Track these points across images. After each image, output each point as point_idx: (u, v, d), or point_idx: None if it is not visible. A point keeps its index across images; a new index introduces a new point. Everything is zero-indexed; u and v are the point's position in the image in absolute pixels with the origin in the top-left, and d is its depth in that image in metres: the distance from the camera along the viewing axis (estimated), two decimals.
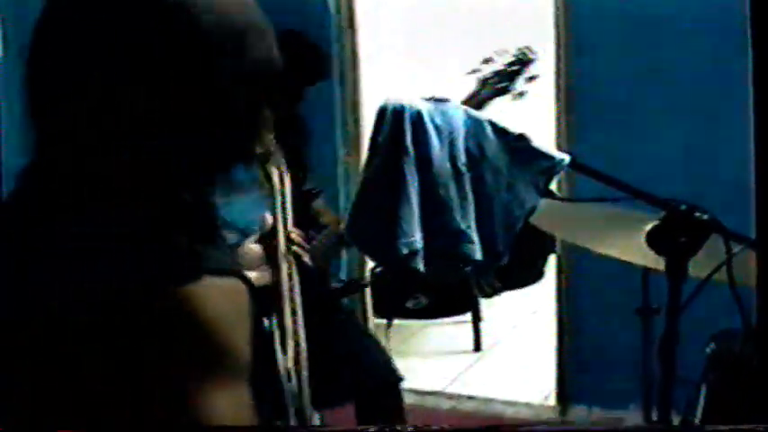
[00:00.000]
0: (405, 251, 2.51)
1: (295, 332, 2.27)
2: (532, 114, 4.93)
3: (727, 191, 4.56)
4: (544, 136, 4.76)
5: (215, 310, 1.43)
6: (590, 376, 5.33)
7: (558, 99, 5.16)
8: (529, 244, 2.76)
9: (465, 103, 2.93)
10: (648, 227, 2.44)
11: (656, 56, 4.92)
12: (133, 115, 1.50)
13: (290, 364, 2.23)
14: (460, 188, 2.52)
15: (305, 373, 2.28)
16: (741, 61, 4.93)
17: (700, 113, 4.89)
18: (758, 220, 1.57)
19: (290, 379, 2.20)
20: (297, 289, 2.29)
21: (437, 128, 2.51)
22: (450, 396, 5.67)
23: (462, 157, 2.51)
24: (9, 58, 4.45)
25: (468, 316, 6.35)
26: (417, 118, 2.53)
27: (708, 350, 3.27)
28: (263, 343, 1.65)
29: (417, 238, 2.52)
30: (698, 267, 2.39)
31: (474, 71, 3.07)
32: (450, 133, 2.51)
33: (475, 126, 2.53)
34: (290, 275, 2.29)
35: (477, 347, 6.43)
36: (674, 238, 2.34)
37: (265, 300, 2.13)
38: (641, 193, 2.36)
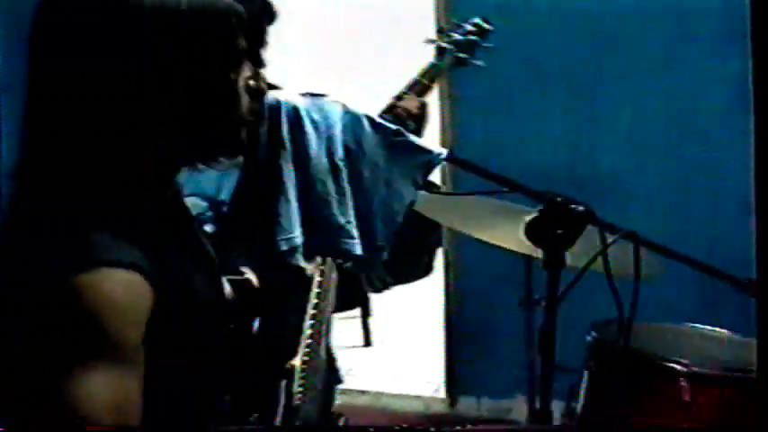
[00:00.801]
0: (284, 247, 2.51)
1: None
2: None
3: (605, 182, 4.64)
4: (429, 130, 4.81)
5: (105, 299, 1.47)
6: (477, 368, 5.37)
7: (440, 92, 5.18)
8: (414, 238, 2.76)
9: (423, 74, 2.95)
10: (528, 218, 2.46)
11: (533, 45, 4.97)
12: (128, 113, 1.58)
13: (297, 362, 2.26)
14: (338, 183, 2.52)
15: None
16: (614, 58, 5.03)
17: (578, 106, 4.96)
18: (758, 221, 1.57)
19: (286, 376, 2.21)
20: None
21: (314, 123, 2.50)
22: (342, 391, 5.66)
23: (340, 152, 2.51)
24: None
25: (357, 311, 6.36)
26: (294, 113, 2.52)
27: (588, 338, 3.31)
28: (249, 338, 1.67)
29: (297, 234, 2.52)
30: (576, 259, 2.41)
31: (430, 41, 3.05)
32: (328, 128, 2.50)
33: (352, 121, 2.53)
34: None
35: (368, 342, 6.44)
36: (552, 229, 2.36)
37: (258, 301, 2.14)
38: (519, 185, 2.38)
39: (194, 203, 2.54)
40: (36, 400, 1.46)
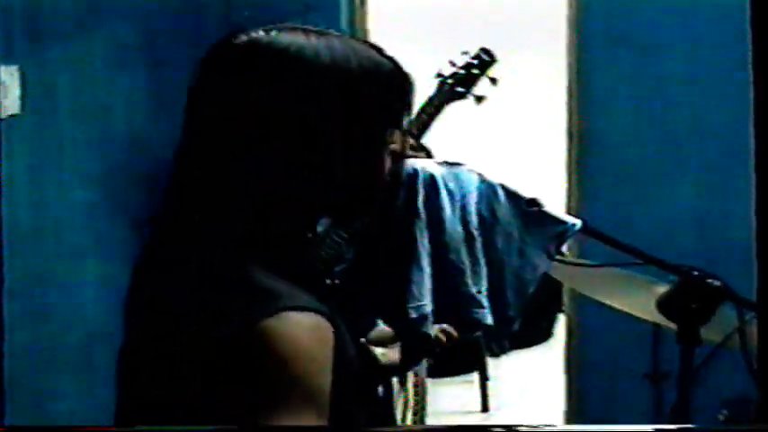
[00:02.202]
0: (414, 315, 2.50)
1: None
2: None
3: (739, 256, 4.56)
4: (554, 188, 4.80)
5: (294, 342, 1.49)
6: None
7: (569, 159, 5.17)
8: (535, 302, 2.73)
9: (423, 108, 2.86)
10: (660, 290, 2.44)
11: (668, 117, 4.94)
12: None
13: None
14: (472, 252, 2.51)
15: None
16: (747, 122, 4.92)
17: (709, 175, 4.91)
18: (758, 236, 1.55)
19: None
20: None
21: (449, 191, 2.50)
22: None
23: (474, 221, 2.50)
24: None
25: (476, 375, 6.34)
26: (431, 181, 2.52)
27: (720, 417, 3.25)
28: (374, 401, 1.68)
29: (427, 302, 2.51)
30: (709, 333, 2.38)
31: (439, 75, 2.95)
32: (463, 197, 2.50)
33: (487, 190, 2.53)
34: None
35: (485, 408, 6.41)
36: (687, 304, 2.33)
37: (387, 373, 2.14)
38: (653, 258, 2.35)
39: None
40: None
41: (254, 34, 1.64)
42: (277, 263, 1.60)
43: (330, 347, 1.55)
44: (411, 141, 2.68)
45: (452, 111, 2.91)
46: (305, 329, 1.51)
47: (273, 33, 1.63)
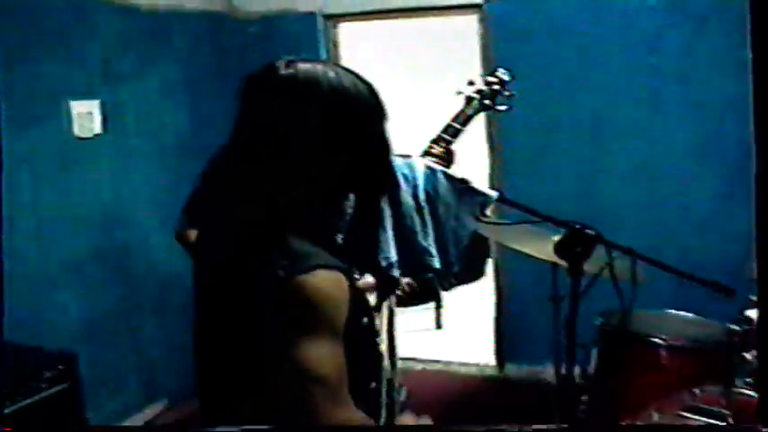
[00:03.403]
0: (384, 263, 2.50)
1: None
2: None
3: (608, 211, 4.62)
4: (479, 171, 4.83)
5: (322, 291, 1.52)
6: (518, 344, 5.35)
7: (490, 149, 5.19)
8: (472, 253, 2.74)
9: (454, 119, 2.74)
10: (554, 239, 2.46)
11: (555, 120, 4.96)
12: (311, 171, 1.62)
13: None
14: (422, 218, 2.50)
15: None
16: (626, 110, 4.91)
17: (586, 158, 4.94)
18: (758, 224, 1.55)
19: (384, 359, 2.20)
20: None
21: (404, 175, 2.49)
22: (422, 360, 5.68)
23: (422, 196, 2.50)
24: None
25: (432, 304, 6.37)
26: None
27: (597, 323, 3.31)
28: (362, 330, 1.69)
29: (392, 254, 2.51)
30: (590, 267, 2.41)
31: (460, 92, 2.79)
32: (414, 179, 2.49)
33: (431, 174, 2.52)
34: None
35: (439, 326, 6.44)
36: (573, 247, 2.36)
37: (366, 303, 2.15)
38: (548, 217, 2.37)
39: None
40: (279, 360, 1.50)
41: (297, 64, 1.64)
42: (305, 231, 1.61)
43: (347, 294, 1.58)
44: (443, 146, 2.66)
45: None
46: (329, 282, 1.54)
47: (299, 65, 1.64)
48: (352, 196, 1.85)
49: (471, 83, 2.82)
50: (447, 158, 2.67)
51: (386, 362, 2.25)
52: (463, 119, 2.76)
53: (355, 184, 1.70)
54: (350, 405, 1.55)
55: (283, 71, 1.63)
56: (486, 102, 2.79)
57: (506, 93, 2.81)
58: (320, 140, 1.60)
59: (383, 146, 1.71)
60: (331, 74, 1.63)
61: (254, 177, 1.63)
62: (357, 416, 1.59)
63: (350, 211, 2.15)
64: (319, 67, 1.64)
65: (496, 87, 2.81)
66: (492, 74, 2.84)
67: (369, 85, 1.69)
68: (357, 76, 1.69)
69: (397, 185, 2.46)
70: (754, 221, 1.55)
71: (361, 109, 1.65)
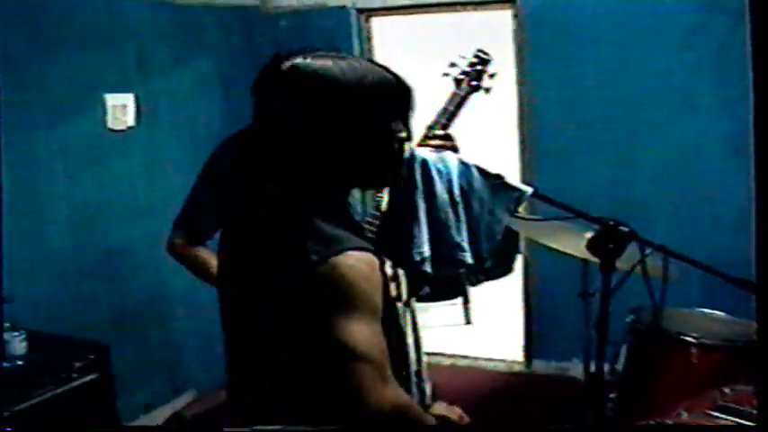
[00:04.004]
0: (417, 258, 2.52)
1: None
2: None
3: (641, 208, 4.61)
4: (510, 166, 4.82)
5: (357, 271, 1.53)
6: (547, 340, 5.35)
7: (521, 144, 5.18)
8: (502, 248, 2.76)
9: (449, 102, 2.74)
10: (587, 235, 2.46)
11: (588, 116, 4.94)
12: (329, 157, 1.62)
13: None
14: (456, 213, 2.52)
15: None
16: (654, 111, 4.87)
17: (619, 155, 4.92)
18: (758, 223, 1.55)
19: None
20: None
21: (438, 171, 2.51)
22: (450, 356, 5.69)
23: (456, 191, 2.52)
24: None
25: (460, 299, 6.36)
26: (424, 163, 2.54)
27: (628, 320, 3.30)
28: (391, 318, 1.69)
29: (426, 249, 2.53)
30: (621, 264, 2.41)
31: (446, 74, 2.80)
32: (448, 174, 2.51)
33: (465, 169, 2.54)
34: None
35: (468, 321, 6.44)
36: (605, 244, 2.36)
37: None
38: (582, 213, 2.37)
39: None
40: (321, 340, 1.51)
41: (298, 59, 1.66)
42: (332, 216, 1.62)
43: (379, 275, 1.59)
44: (439, 130, 2.64)
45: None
46: (363, 262, 1.55)
47: (310, 59, 1.65)
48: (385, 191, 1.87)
49: (453, 65, 2.81)
50: (449, 142, 2.66)
51: (412, 355, 2.27)
52: (456, 102, 2.75)
53: (348, 173, 1.69)
54: (395, 383, 1.56)
55: (284, 65, 1.67)
56: (474, 83, 2.78)
57: (489, 73, 2.80)
58: (309, 126, 1.62)
59: (385, 136, 1.69)
60: (331, 66, 1.63)
61: (263, 167, 1.68)
62: (403, 396, 1.60)
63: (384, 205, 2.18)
64: (319, 61, 1.65)
65: (480, 68, 2.81)
66: (474, 55, 2.84)
67: (387, 79, 1.68)
68: (377, 69, 1.69)
69: (400, 180, 2.47)
70: (755, 222, 1.54)
71: (360, 99, 1.64)
